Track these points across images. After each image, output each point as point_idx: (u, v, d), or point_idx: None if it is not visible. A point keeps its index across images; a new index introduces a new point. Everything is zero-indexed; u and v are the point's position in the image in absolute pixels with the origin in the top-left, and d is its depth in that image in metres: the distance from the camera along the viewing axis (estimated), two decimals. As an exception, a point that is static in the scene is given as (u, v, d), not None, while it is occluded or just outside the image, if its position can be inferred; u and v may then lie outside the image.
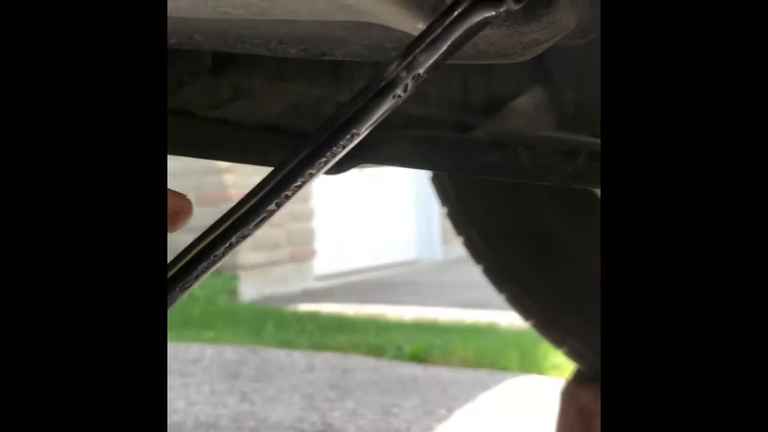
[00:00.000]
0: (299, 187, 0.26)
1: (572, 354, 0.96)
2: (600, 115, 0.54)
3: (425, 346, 2.53)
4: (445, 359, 2.40)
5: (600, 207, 0.87)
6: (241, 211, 0.26)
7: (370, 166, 0.47)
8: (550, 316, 0.95)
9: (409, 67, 0.26)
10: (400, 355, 2.47)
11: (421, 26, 0.28)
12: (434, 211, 5.98)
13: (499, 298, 1.07)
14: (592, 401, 0.91)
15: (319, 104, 0.60)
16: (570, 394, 0.94)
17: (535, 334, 2.45)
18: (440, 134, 0.43)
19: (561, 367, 2.07)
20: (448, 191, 0.98)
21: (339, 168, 0.42)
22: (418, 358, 2.43)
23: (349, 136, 0.26)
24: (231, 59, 0.67)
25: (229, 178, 3.65)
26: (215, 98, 0.65)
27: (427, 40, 0.26)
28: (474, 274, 1.05)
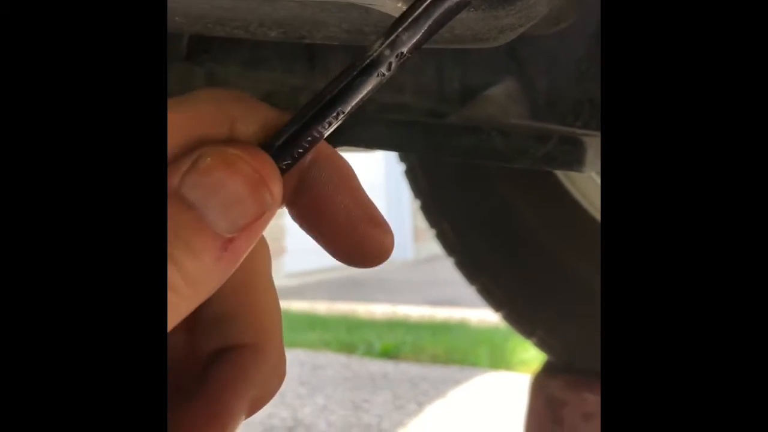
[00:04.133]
0: (290, 166, 0.26)
1: (541, 345, 0.97)
2: (578, 103, 0.55)
3: (396, 342, 2.54)
4: (416, 356, 2.41)
5: (572, 202, 0.89)
6: None
7: (346, 149, 0.48)
8: (520, 308, 0.96)
9: (393, 46, 0.27)
10: (370, 352, 2.48)
11: (401, 5, 0.28)
12: (405, 209, 6.01)
13: (469, 295, 1.08)
14: (561, 391, 0.92)
15: (295, 93, 0.60)
16: (539, 384, 0.95)
17: (504, 331, 2.47)
18: (416, 118, 0.44)
19: (529, 363, 2.09)
20: (420, 184, 0.98)
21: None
22: (389, 354, 2.44)
23: (335, 114, 0.26)
24: (206, 47, 0.67)
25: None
26: (190, 86, 0.65)
27: (410, 19, 0.27)
28: (445, 272, 1.05)
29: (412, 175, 0.98)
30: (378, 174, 5.70)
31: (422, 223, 1.01)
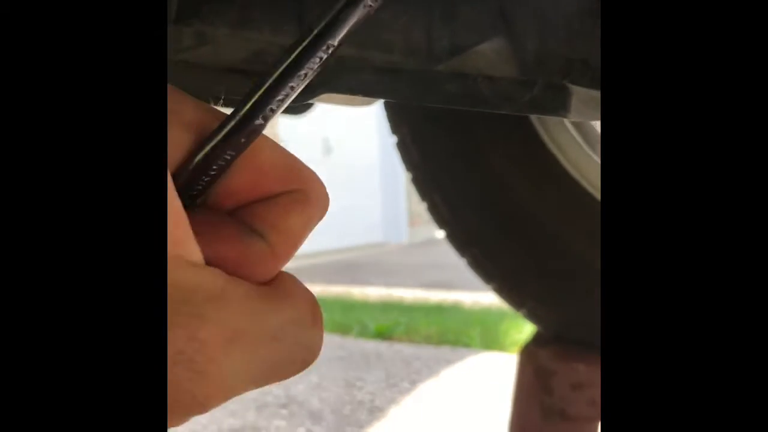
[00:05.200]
0: (282, 101, 0.25)
1: (531, 316, 0.97)
2: (566, 61, 0.55)
3: (390, 323, 2.55)
4: (409, 336, 2.42)
5: (565, 174, 0.89)
6: (229, 127, 0.25)
7: (331, 100, 0.47)
8: (511, 280, 0.96)
9: None
10: (365, 333, 2.49)
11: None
12: (400, 194, 6.01)
13: (463, 278, 1.08)
14: (550, 361, 0.93)
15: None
16: (528, 354, 0.96)
17: (496, 313, 2.46)
18: (402, 66, 0.44)
19: (521, 344, 2.10)
20: (412, 156, 0.98)
21: (305, 96, 0.42)
22: (383, 335, 2.45)
23: (325, 47, 0.26)
24: (194, 9, 0.67)
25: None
26: (178, 45, 0.64)
27: None
28: (439, 256, 1.05)
29: (403, 147, 0.98)
30: (373, 159, 5.69)
31: (417, 207, 1.01)
